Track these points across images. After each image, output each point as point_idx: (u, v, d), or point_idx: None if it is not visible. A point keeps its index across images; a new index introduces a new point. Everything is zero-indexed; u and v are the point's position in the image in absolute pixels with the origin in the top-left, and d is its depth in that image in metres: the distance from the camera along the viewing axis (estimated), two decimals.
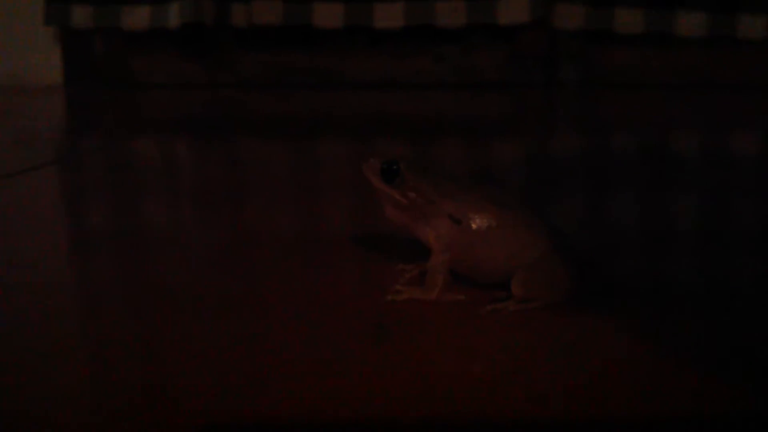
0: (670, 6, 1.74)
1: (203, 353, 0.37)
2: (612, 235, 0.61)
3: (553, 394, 0.33)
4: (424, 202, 0.44)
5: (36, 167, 0.88)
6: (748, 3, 1.73)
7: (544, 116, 1.56)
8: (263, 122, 1.40)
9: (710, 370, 0.35)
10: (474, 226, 0.43)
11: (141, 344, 0.39)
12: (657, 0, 1.74)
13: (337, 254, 0.55)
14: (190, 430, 0.30)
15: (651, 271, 0.52)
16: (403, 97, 1.74)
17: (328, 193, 0.79)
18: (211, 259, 0.55)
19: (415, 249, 0.47)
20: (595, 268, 0.45)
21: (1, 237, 0.61)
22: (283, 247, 0.57)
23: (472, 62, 1.86)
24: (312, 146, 1.13)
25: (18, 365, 0.37)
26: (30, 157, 0.95)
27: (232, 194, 0.78)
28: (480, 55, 1.85)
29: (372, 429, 0.31)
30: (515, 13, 1.73)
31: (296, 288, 0.47)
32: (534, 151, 1.09)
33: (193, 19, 1.70)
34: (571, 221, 0.65)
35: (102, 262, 0.55)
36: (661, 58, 1.84)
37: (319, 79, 1.88)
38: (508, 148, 1.13)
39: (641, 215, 0.69)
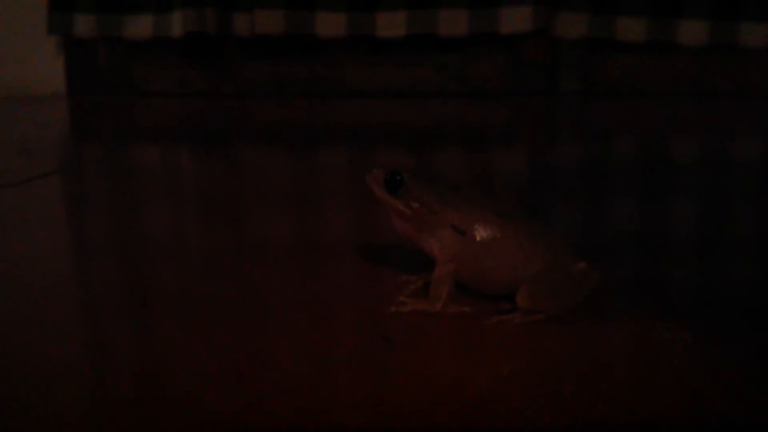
0: (672, 14, 1.74)
1: (204, 360, 0.37)
2: (615, 243, 0.61)
3: (558, 406, 0.33)
4: (427, 213, 0.44)
5: (40, 176, 0.88)
6: (749, 11, 1.73)
7: (545, 125, 1.57)
8: (265, 131, 1.41)
9: (711, 373, 0.36)
10: (478, 237, 0.43)
11: (142, 348, 0.40)
12: (658, 8, 1.74)
13: (340, 264, 0.54)
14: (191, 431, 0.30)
15: (654, 279, 0.52)
16: (405, 106, 1.74)
17: (330, 202, 0.79)
18: (212, 267, 0.55)
19: (419, 260, 0.47)
20: (598, 276, 0.45)
21: (5, 244, 0.61)
22: (285, 256, 0.57)
23: (474, 71, 1.86)
24: (314, 155, 1.13)
25: (20, 366, 0.37)
26: (34, 166, 0.96)
27: (234, 203, 0.79)
28: (482, 64, 1.86)
29: None
30: (517, 22, 1.73)
31: (299, 298, 0.47)
32: (536, 160, 1.09)
33: (196, 28, 1.71)
34: (574, 229, 0.65)
35: (104, 267, 0.55)
36: (663, 66, 1.85)
37: (321, 87, 1.88)
38: (510, 157, 1.13)
39: (643, 222, 0.69)
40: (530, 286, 0.42)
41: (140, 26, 1.76)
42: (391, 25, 1.75)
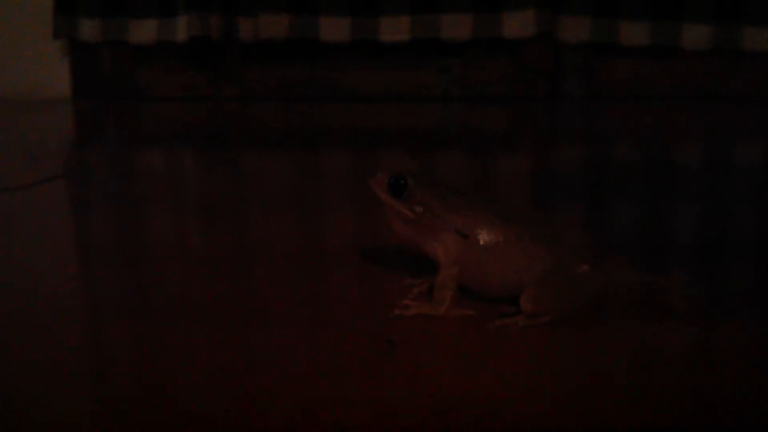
0: (674, 18, 1.74)
1: (206, 361, 0.38)
2: (617, 246, 0.61)
3: (561, 409, 0.33)
4: (431, 217, 0.45)
5: (44, 180, 0.89)
6: (753, 15, 1.73)
7: (548, 129, 1.57)
8: (268, 135, 1.41)
9: (713, 376, 0.36)
10: (481, 240, 0.44)
11: (144, 351, 0.40)
12: (661, 12, 1.74)
13: (344, 268, 0.55)
14: None
15: (656, 282, 0.51)
16: (408, 110, 1.74)
17: (334, 205, 0.79)
18: (215, 270, 0.55)
19: (423, 263, 0.47)
20: (601, 280, 0.45)
21: (10, 247, 0.61)
22: (289, 260, 0.57)
23: (477, 75, 1.86)
24: (317, 159, 1.13)
25: (23, 370, 0.37)
26: (39, 170, 0.96)
27: (238, 206, 0.79)
28: (484, 68, 1.86)
29: None
30: (520, 27, 1.73)
31: (302, 301, 0.47)
32: (538, 164, 1.09)
33: (200, 33, 1.71)
34: (577, 233, 0.65)
35: (107, 271, 0.55)
36: (666, 70, 1.84)
37: (324, 91, 1.88)
38: (513, 161, 1.13)
39: (645, 225, 0.69)
40: (534, 289, 0.42)
41: (145, 31, 1.77)
42: (394, 29, 1.75)
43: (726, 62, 1.80)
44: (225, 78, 1.88)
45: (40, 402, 0.33)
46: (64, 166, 1.06)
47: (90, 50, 1.85)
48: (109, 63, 1.87)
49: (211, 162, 1.10)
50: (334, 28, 1.75)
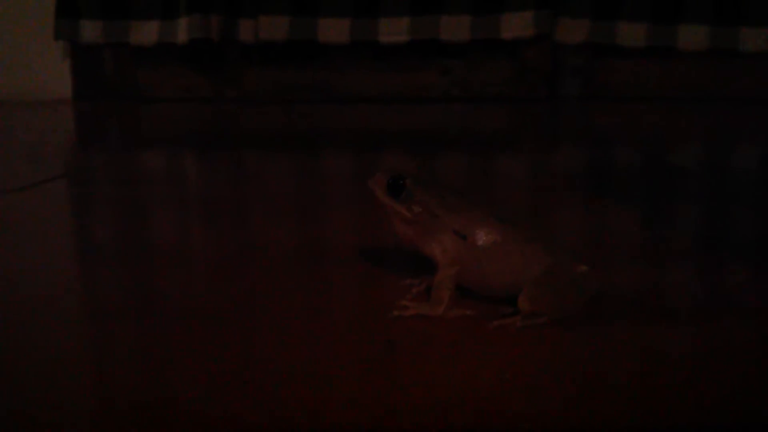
0: (672, 19, 1.75)
1: (207, 364, 0.38)
2: (616, 247, 0.61)
3: (560, 409, 0.33)
4: (429, 217, 0.45)
5: (45, 180, 0.89)
6: (750, 16, 1.73)
7: (547, 129, 1.57)
8: (268, 136, 1.41)
9: (711, 377, 0.36)
10: (479, 241, 0.44)
11: (144, 351, 0.40)
12: (659, 14, 1.75)
13: (343, 269, 0.55)
14: None
15: (654, 283, 0.52)
16: (408, 111, 1.75)
17: (334, 207, 0.79)
18: (215, 272, 0.55)
19: (421, 263, 0.47)
20: (599, 281, 0.45)
21: (10, 248, 0.62)
22: (288, 261, 0.57)
23: (477, 76, 1.87)
24: (317, 160, 1.14)
25: (26, 369, 0.37)
26: (40, 171, 0.96)
27: (238, 208, 0.79)
28: (484, 69, 1.86)
29: None
30: (519, 28, 1.74)
31: (301, 302, 0.47)
32: (538, 164, 1.10)
33: (201, 35, 1.72)
34: (575, 234, 0.65)
35: (108, 272, 0.55)
36: (663, 71, 1.85)
37: (324, 93, 1.89)
38: (512, 162, 1.13)
39: (643, 226, 0.69)
40: (532, 289, 0.42)
41: (146, 32, 1.77)
42: (394, 30, 1.76)
43: (723, 63, 1.81)
44: (225, 80, 1.89)
45: (40, 402, 0.34)
46: (65, 167, 1.07)
47: (91, 52, 1.85)
48: (111, 65, 1.88)
49: (212, 163, 1.11)
50: (333, 30, 1.76)
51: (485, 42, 1.77)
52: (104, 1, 1.76)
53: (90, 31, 1.78)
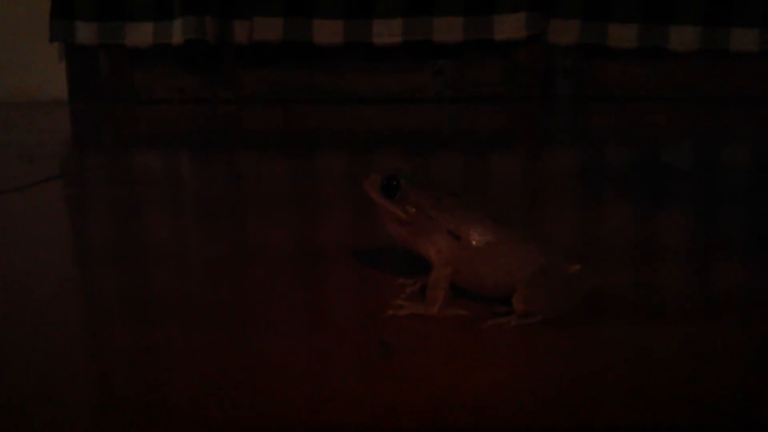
0: (663, 20, 1.76)
1: (203, 364, 0.38)
2: (609, 246, 0.61)
3: (554, 409, 0.33)
4: (423, 218, 0.45)
5: (41, 181, 0.89)
6: (740, 16, 1.75)
7: (540, 129, 1.57)
8: (263, 137, 1.41)
9: (708, 375, 0.36)
10: (473, 241, 0.44)
11: (142, 352, 0.40)
12: (649, 15, 1.76)
13: (337, 268, 0.55)
14: None
15: (649, 282, 0.52)
16: (402, 112, 1.75)
17: (328, 207, 0.79)
18: (211, 272, 0.55)
19: (415, 264, 0.47)
20: (593, 280, 0.46)
21: (7, 248, 0.62)
22: (283, 261, 0.57)
23: (470, 77, 1.88)
24: (311, 161, 1.14)
25: (23, 370, 0.37)
26: (36, 171, 0.96)
27: (233, 208, 0.79)
28: (477, 70, 1.87)
29: None
30: (511, 29, 1.75)
31: (296, 302, 0.47)
32: (530, 164, 1.10)
33: (195, 36, 1.72)
34: (569, 233, 0.65)
35: (104, 273, 0.55)
36: (654, 72, 1.86)
37: (319, 94, 1.89)
38: (505, 162, 1.14)
39: (637, 225, 0.69)
40: (526, 289, 0.42)
41: (141, 34, 1.77)
42: (387, 31, 1.76)
43: (714, 63, 1.82)
44: (220, 81, 1.89)
45: (40, 402, 0.34)
46: (61, 167, 1.07)
47: (87, 53, 1.85)
48: (106, 66, 1.88)
49: (207, 164, 1.11)
50: (327, 31, 1.76)
51: (478, 43, 1.78)
52: (99, 2, 1.76)
53: (85, 32, 1.78)
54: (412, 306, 0.44)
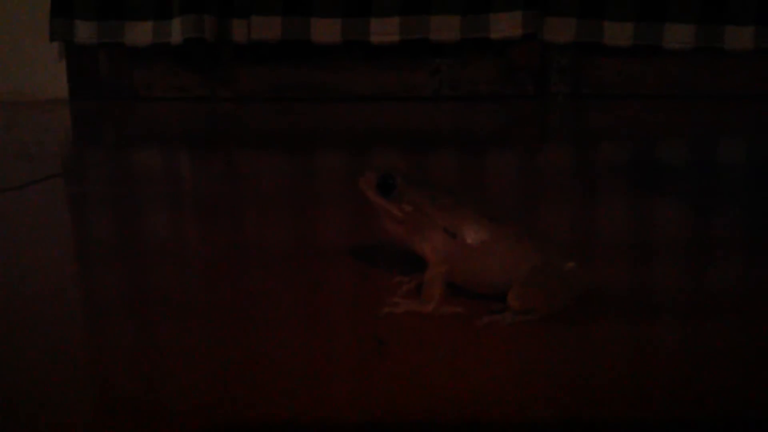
0: (658, 18, 1.76)
1: (200, 362, 0.38)
2: (605, 244, 0.61)
3: (549, 406, 0.33)
4: (419, 216, 0.45)
5: (41, 179, 0.89)
6: (735, 14, 1.75)
7: (536, 127, 1.58)
8: (261, 135, 1.41)
9: (703, 373, 0.36)
10: (469, 239, 0.44)
11: (142, 352, 0.40)
12: (645, 13, 1.76)
13: (333, 266, 0.55)
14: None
15: (644, 279, 0.52)
16: (399, 110, 1.75)
17: (325, 205, 0.79)
18: (209, 270, 0.55)
19: (411, 261, 0.47)
20: (588, 277, 0.46)
21: (7, 247, 0.62)
22: (280, 259, 0.57)
23: (467, 75, 1.88)
24: (309, 159, 1.13)
25: (22, 368, 0.38)
26: (36, 170, 0.96)
27: (231, 206, 0.79)
28: (474, 69, 1.88)
29: None
30: (507, 28, 1.76)
31: (293, 300, 0.47)
32: (527, 162, 1.11)
33: (194, 35, 1.72)
34: (565, 231, 0.65)
35: (103, 271, 0.55)
36: (650, 70, 1.87)
37: (316, 92, 1.90)
38: (502, 159, 1.14)
39: (633, 223, 0.69)
40: (521, 286, 0.42)
41: (140, 33, 1.78)
42: (384, 30, 1.77)
43: (709, 61, 1.83)
44: (219, 79, 1.89)
45: (40, 402, 0.34)
46: (61, 166, 1.07)
47: (86, 52, 1.86)
48: (105, 65, 1.88)
49: (206, 162, 1.11)
50: (325, 30, 1.76)
51: (475, 41, 1.79)
52: (99, 2, 1.76)
53: (85, 31, 1.79)
54: (409, 303, 0.44)
